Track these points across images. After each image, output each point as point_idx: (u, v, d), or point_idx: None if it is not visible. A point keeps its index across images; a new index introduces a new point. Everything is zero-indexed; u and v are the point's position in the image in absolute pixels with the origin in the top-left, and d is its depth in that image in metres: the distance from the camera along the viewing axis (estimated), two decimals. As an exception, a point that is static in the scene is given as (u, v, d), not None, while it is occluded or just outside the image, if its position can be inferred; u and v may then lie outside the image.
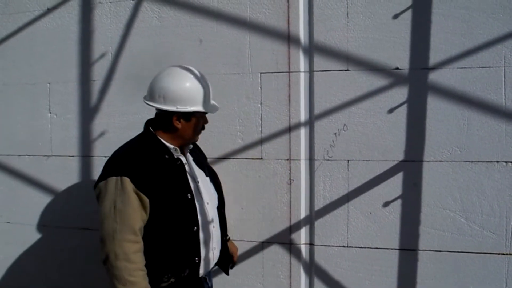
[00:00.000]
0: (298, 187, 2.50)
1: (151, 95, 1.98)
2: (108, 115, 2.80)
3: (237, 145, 2.57)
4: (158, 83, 1.96)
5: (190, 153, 2.10)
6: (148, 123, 2.03)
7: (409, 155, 2.35)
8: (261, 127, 2.53)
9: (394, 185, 2.37)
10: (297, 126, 2.48)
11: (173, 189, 1.91)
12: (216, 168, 2.55)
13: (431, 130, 2.31)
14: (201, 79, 2.00)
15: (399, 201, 2.38)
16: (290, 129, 2.49)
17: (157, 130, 1.99)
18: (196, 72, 2.02)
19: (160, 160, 1.92)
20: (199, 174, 2.08)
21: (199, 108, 1.95)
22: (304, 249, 2.52)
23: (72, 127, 2.87)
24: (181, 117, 1.94)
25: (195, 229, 1.94)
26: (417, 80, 2.31)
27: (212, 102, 2.06)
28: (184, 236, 1.93)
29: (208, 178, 2.13)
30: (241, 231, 2.59)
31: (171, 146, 1.98)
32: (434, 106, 2.30)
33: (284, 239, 2.53)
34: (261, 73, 2.51)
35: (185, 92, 1.93)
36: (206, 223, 2.01)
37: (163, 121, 1.96)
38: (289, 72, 2.47)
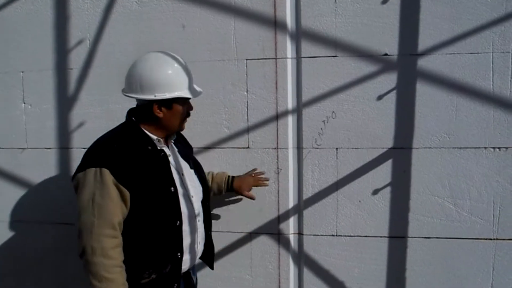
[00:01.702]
0: (286, 176, 2.45)
1: (129, 86, 1.89)
2: (87, 104, 2.68)
3: (223, 134, 2.50)
4: (134, 71, 1.87)
5: (174, 144, 2.02)
6: (130, 112, 1.94)
7: (398, 142, 2.33)
8: (247, 115, 2.47)
9: (384, 173, 2.35)
10: (285, 114, 2.43)
11: (156, 181, 1.83)
12: (202, 158, 2.48)
13: (420, 116, 2.30)
14: (179, 63, 1.92)
15: (388, 189, 2.36)
16: (277, 117, 2.43)
17: (140, 121, 1.90)
18: (173, 56, 1.93)
19: (142, 151, 1.84)
20: (184, 166, 2.00)
21: (178, 93, 1.86)
22: (293, 239, 2.49)
23: (48, 117, 2.74)
24: (161, 105, 1.85)
25: (178, 224, 1.87)
26: (406, 66, 2.29)
27: (194, 86, 1.97)
28: (166, 230, 1.85)
29: (192, 171, 2.05)
30: (228, 222, 2.53)
31: (154, 137, 1.89)
32: (423, 92, 2.28)
33: (272, 229, 2.48)
34: (247, 59, 2.44)
35: (163, 78, 1.84)
36: (191, 217, 1.94)
37: (144, 111, 1.88)
38: (275, 58, 2.41)
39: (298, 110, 2.43)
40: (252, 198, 2.38)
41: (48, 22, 2.70)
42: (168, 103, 1.85)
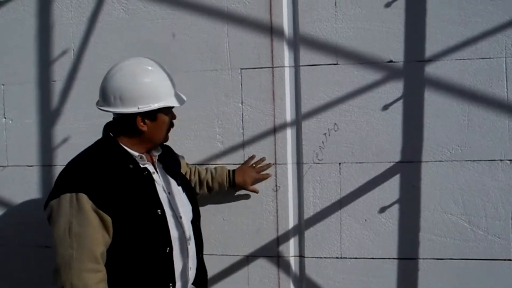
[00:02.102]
0: (285, 194, 2.27)
1: (104, 99, 1.71)
2: (72, 119, 2.51)
3: (217, 149, 2.33)
4: (110, 83, 1.69)
5: (159, 159, 1.84)
6: (107, 127, 1.76)
7: (406, 156, 2.16)
8: (242, 128, 2.30)
9: (391, 189, 2.18)
10: (283, 126, 2.26)
11: (140, 204, 1.65)
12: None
13: (429, 127, 2.13)
14: (160, 69, 1.75)
15: (396, 206, 2.18)
16: (275, 130, 2.26)
17: (119, 136, 1.72)
18: (152, 62, 1.76)
19: (123, 170, 1.66)
20: (171, 183, 1.82)
21: (164, 103, 1.69)
22: (293, 262, 2.30)
23: (30, 133, 2.57)
24: (145, 118, 1.68)
25: (167, 250, 1.68)
26: (412, 74, 2.13)
27: (177, 92, 1.79)
28: (156, 259, 1.66)
29: (180, 188, 1.87)
30: (223, 244, 2.34)
31: (135, 153, 1.71)
32: (432, 101, 2.12)
33: (271, 252, 2.30)
34: (241, 69, 2.28)
35: (145, 87, 1.66)
36: (181, 241, 1.75)
37: (125, 125, 1.70)
38: (272, 67, 2.25)
39: (297, 123, 2.26)
40: (255, 191, 2.22)
41: (30, 31, 2.55)
42: (152, 114, 1.68)
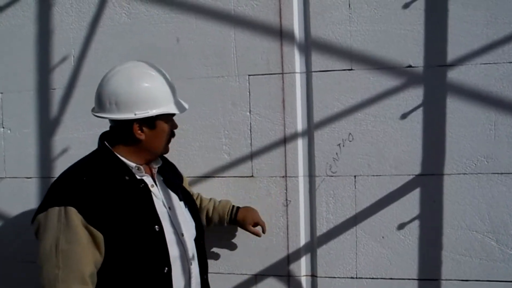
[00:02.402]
0: (296, 209, 2.12)
1: (100, 104, 1.59)
2: (72, 128, 2.39)
3: (223, 161, 2.19)
4: (106, 87, 1.57)
5: (159, 172, 1.70)
6: (104, 136, 1.64)
7: (427, 168, 2.00)
8: (250, 139, 2.15)
9: (410, 204, 2.02)
10: (294, 137, 2.11)
11: (136, 219, 1.51)
12: (198, 189, 2.18)
13: (452, 137, 1.97)
14: (159, 74, 1.62)
15: (416, 223, 2.02)
16: (285, 140, 2.12)
17: (116, 145, 1.59)
18: (151, 66, 1.64)
19: (117, 183, 1.53)
20: (172, 198, 1.68)
21: (164, 109, 1.56)
22: (305, 282, 2.14)
23: (29, 143, 2.46)
24: (143, 125, 1.55)
25: (165, 270, 1.53)
26: (433, 80, 1.98)
27: (179, 100, 1.67)
28: (152, 280, 1.51)
29: (182, 203, 1.73)
30: (230, 262, 2.20)
31: (132, 164, 1.58)
32: (455, 109, 1.96)
33: (281, 271, 2.15)
34: (249, 75, 2.15)
35: (143, 92, 1.54)
36: (182, 260, 1.61)
37: (122, 133, 1.57)
38: (282, 73, 2.11)
39: (309, 133, 2.11)
40: (257, 234, 2.04)
41: (29, 37, 2.44)
42: (150, 122, 1.56)
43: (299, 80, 2.11)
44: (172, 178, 1.76)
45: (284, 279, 2.15)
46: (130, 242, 1.48)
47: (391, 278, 2.05)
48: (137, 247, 1.49)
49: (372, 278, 2.07)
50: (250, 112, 2.16)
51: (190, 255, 1.65)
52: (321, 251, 2.11)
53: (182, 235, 1.64)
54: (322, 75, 2.08)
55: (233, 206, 2.06)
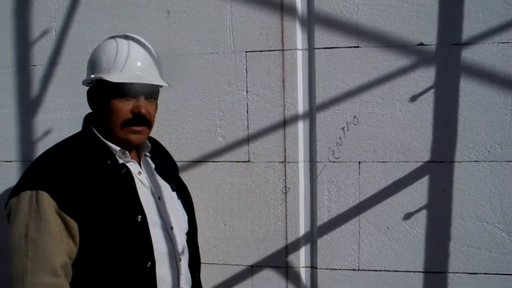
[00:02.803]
0: (296, 196, 1.99)
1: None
2: (54, 109, 2.22)
3: (217, 144, 2.04)
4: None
5: (152, 159, 1.55)
6: (88, 118, 1.49)
7: (437, 155, 1.87)
8: (247, 121, 2.00)
9: (418, 193, 1.89)
10: (294, 119, 1.96)
11: (115, 208, 1.36)
12: (191, 175, 2.04)
13: (465, 122, 1.84)
14: (136, 43, 1.45)
15: (423, 213, 1.90)
16: (285, 123, 1.97)
17: (99, 127, 1.46)
18: (135, 36, 1.49)
19: (98, 167, 1.37)
20: (163, 187, 1.53)
21: (101, 75, 1.39)
22: (304, 273, 2.02)
23: (8, 125, 2.28)
24: (99, 96, 1.43)
25: (149, 265, 1.38)
26: (447, 59, 1.83)
27: (139, 73, 1.41)
28: (133, 275, 1.37)
29: (174, 194, 1.57)
30: (224, 253, 2.07)
31: (116, 148, 1.43)
32: (469, 91, 1.82)
33: (279, 262, 2.02)
34: (246, 52, 1.98)
35: (96, 53, 1.47)
36: (169, 255, 1.46)
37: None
38: (282, 50, 1.95)
39: (310, 115, 1.97)
40: None
41: (6, 9, 2.24)
42: (102, 93, 1.41)
43: (300, 58, 1.95)
44: (165, 166, 1.60)
45: (282, 270, 2.02)
46: (108, 233, 1.33)
47: (395, 271, 1.93)
48: (116, 238, 1.34)
49: (376, 271, 1.95)
50: (247, 92, 2.00)
51: (180, 250, 1.51)
52: (321, 242, 1.99)
53: (172, 228, 1.49)
54: (326, 53, 1.92)
55: None
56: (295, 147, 1.98)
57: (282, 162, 1.99)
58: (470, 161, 1.85)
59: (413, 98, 1.87)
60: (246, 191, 2.02)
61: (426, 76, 1.85)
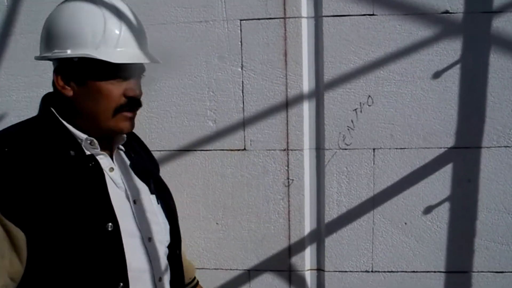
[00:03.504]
0: (300, 189, 1.72)
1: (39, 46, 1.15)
2: (7, 89, 1.87)
3: (207, 130, 1.74)
4: (44, 24, 1.13)
5: (126, 153, 1.22)
6: (47, 98, 1.15)
7: (462, 140, 1.64)
8: (243, 102, 1.71)
9: (440, 183, 1.67)
10: (298, 100, 1.69)
11: (80, 212, 1.02)
12: (176, 166, 1.74)
13: (494, 102, 1.62)
14: (108, 7, 1.11)
15: (446, 206, 1.68)
16: (287, 104, 1.69)
17: (63, 110, 1.11)
18: (119, 1, 1.13)
19: (57, 159, 1.04)
20: (140, 189, 1.20)
21: (84, 51, 1.05)
22: (310, 277, 1.77)
23: (-50, 107, 1.90)
24: (69, 77, 1.07)
25: (121, 286, 1.07)
26: (475, 30, 1.60)
27: (137, 50, 1.12)
28: None
29: (153, 197, 1.24)
30: (217, 256, 1.79)
31: (82, 135, 1.10)
32: (500, 67, 1.60)
33: (281, 265, 1.76)
34: (241, 20, 1.68)
35: (70, 24, 1.06)
36: (146, 273, 1.14)
37: (55, 90, 1.12)
38: (284, 18, 1.66)
39: (317, 95, 1.69)
40: None
41: None
42: (78, 73, 1.07)
43: (305, 27, 1.67)
44: (143, 163, 1.27)
45: (284, 274, 1.76)
46: (68, 245, 0.99)
47: (413, 271, 1.71)
48: (78, 252, 1.00)
49: (391, 272, 1.72)
50: (242, 68, 1.70)
51: (160, 266, 1.19)
52: (330, 241, 1.74)
53: (150, 239, 1.16)
54: (336, 21, 1.64)
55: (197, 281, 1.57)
56: (299, 132, 1.70)
57: (284, 150, 1.71)
58: (499, 147, 1.63)
59: (437, 75, 1.62)
60: (242, 184, 1.74)
61: (451, 49, 1.61)
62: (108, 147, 1.16)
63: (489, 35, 1.59)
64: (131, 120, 1.13)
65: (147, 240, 1.15)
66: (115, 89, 1.07)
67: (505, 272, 1.68)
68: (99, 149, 1.11)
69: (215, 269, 1.79)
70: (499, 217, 1.66)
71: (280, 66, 1.68)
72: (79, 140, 1.09)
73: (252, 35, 1.68)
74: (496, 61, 1.59)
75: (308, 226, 1.75)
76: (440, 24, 1.60)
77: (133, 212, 1.13)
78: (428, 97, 1.63)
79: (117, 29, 1.08)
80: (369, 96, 1.65)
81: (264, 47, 1.68)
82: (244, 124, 1.72)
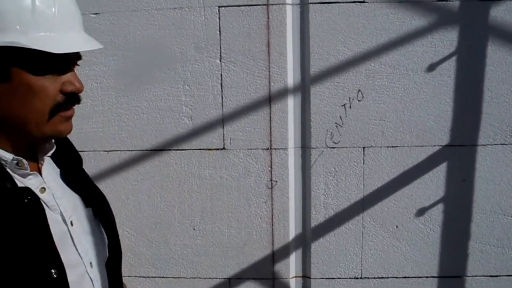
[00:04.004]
0: (284, 191, 1.59)
1: None
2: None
3: (183, 128, 1.59)
4: None
5: (53, 159, 1.00)
6: None
7: (457, 137, 1.54)
8: (221, 97, 1.56)
9: (434, 183, 1.56)
10: (282, 94, 1.55)
11: (19, 259, 0.83)
12: (149, 166, 1.58)
13: (491, 97, 1.51)
14: None
15: (439, 207, 1.58)
16: (270, 99, 1.55)
17: None
18: None
19: None
20: (75, 204, 0.99)
21: (11, 37, 0.79)
22: (295, 285, 1.66)
23: None
24: None
25: None
26: (472, 19, 1.48)
27: (74, 34, 0.88)
28: None
29: (90, 210, 1.04)
30: (194, 264, 1.64)
31: (7, 156, 0.85)
32: (498, 59, 1.50)
33: (263, 273, 1.64)
34: (220, 7, 1.52)
35: None
36: None
37: None
38: (267, 5, 1.51)
39: (303, 89, 1.56)
40: None
41: None
42: (4, 66, 0.81)
43: (290, 15, 1.52)
44: (74, 168, 1.05)
45: (267, 282, 1.64)
46: None
47: (405, 277, 1.61)
48: None
49: (382, 278, 1.61)
50: (220, 60, 1.54)
51: None
52: (316, 246, 1.61)
53: (91, 264, 0.98)
54: (323, 9, 1.50)
55: None
56: (283, 130, 1.56)
57: (267, 149, 1.57)
58: (495, 144, 1.53)
59: (431, 68, 1.51)
60: (221, 187, 1.60)
61: (447, 40, 1.49)
62: (33, 157, 0.94)
63: (487, 25, 1.47)
64: (70, 119, 0.92)
65: (89, 267, 0.97)
66: (51, 85, 0.84)
67: (500, 276, 1.59)
68: (28, 169, 0.89)
69: (192, 278, 1.65)
70: (494, 219, 1.57)
71: (262, 57, 1.53)
72: (3, 162, 0.87)
73: (232, 24, 1.53)
74: (494, 53, 1.48)
75: (293, 230, 1.62)
76: (435, 13, 1.48)
77: (72, 238, 0.93)
78: (422, 91, 1.51)
79: (50, 5, 0.85)
80: (359, 90, 1.53)
81: (245, 36, 1.52)
82: (223, 121, 1.57)
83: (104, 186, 1.60)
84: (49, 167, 0.95)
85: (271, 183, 1.59)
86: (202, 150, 1.59)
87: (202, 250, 1.64)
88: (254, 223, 1.61)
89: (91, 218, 1.01)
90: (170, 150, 1.60)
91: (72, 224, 0.93)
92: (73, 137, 1.56)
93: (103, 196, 1.10)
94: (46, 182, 0.91)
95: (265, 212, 1.61)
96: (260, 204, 1.60)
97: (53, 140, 0.95)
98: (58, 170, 0.97)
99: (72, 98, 0.87)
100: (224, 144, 1.58)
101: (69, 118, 0.89)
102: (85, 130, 1.59)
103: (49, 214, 0.88)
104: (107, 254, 1.04)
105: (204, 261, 1.64)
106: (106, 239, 1.04)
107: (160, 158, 1.60)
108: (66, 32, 0.86)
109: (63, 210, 0.91)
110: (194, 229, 1.63)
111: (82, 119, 1.57)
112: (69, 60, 0.87)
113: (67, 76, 0.87)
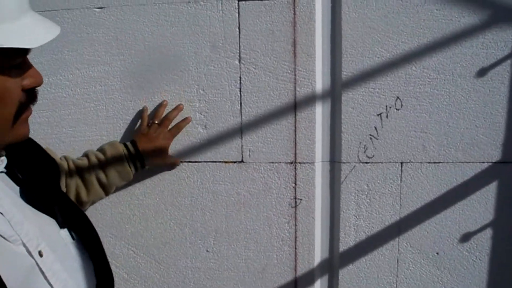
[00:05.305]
0: (310, 211, 1.41)
1: None
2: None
3: (196, 137, 1.41)
4: None
5: (9, 174, 0.84)
6: None
7: (510, 153, 1.34)
8: (240, 103, 1.38)
9: (482, 205, 1.37)
10: (310, 101, 1.36)
11: None
12: (156, 180, 1.42)
13: (552, 107, 1.30)
14: None
15: (488, 232, 1.38)
16: (295, 107, 1.37)
17: None
18: None
19: None
20: (44, 228, 0.82)
21: None
22: (319, 316, 1.47)
23: None
24: None
25: None
26: (531, 16, 1.27)
27: (35, 20, 0.72)
28: None
29: (65, 231, 0.87)
30: (207, 291, 1.47)
31: None
32: (561, 63, 1.28)
33: (284, 302, 1.45)
34: (239, 0, 1.35)
35: None
36: None
37: None
38: (294, -1, 1.33)
39: (333, 95, 1.37)
40: (175, 163, 1.41)
41: None
42: None
43: (320, 11, 1.34)
44: (39, 182, 0.88)
45: (288, 313, 1.46)
46: None
47: (446, 311, 1.42)
48: None
49: (419, 311, 1.42)
50: (240, 61, 1.37)
51: None
52: (344, 273, 1.43)
53: None
54: (358, 3, 1.31)
55: (126, 145, 1.33)
56: (310, 141, 1.38)
57: (291, 163, 1.39)
58: (555, 162, 1.33)
59: (482, 72, 1.31)
60: (238, 204, 1.42)
61: (501, 41, 1.29)
62: None
63: (548, 24, 1.28)
64: (27, 121, 0.77)
65: None
66: (14, 85, 0.70)
67: (556, 312, 1.39)
68: None
69: (204, 305, 1.48)
70: (551, 247, 1.37)
71: (287, 59, 1.35)
72: None
73: (253, 20, 1.35)
74: (556, 56, 1.29)
75: (318, 255, 1.44)
76: (488, 9, 1.28)
77: (42, 272, 0.76)
78: (470, 99, 1.32)
79: None
80: (398, 97, 1.34)
81: (268, 34, 1.35)
82: (241, 130, 1.40)
83: (107, 201, 1.45)
84: (2, 185, 0.78)
85: (295, 202, 1.41)
86: (218, 163, 1.42)
87: (216, 274, 1.47)
88: (275, 245, 1.43)
89: (68, 241, 0.85)
90: (181, 162, 1.42)
91: (41, 255, 0.76)
92: (75, 146, 1.40)
93: (81, 211, 0.93)
94: (3, 207, 0.75)
95: (287, 234, 1.42)
96: (282, 224, 1.42)
97: (3, 152, 0.81)
98: (16, 188, 0.82)
99: (32, 95, 0.74)
100: (242, 157, 1.41)
101: (27, 119, 0.77)
102: (88, 137, 1.43)
103: (6, 247, 0.72)
104: (95, 280, 0.88)
105: (217, 287, 1.47)
106: (91, 264, 0.88)
107: (170, 171, 1.43)
108: (19, 18, 0.70)
109: (26, 239, 0.74)
110: (207, 250, 1.46)
111: (85, 125, 1.41)
112: (26, 51, 0.72)
113: (27, 71, 0.73)
